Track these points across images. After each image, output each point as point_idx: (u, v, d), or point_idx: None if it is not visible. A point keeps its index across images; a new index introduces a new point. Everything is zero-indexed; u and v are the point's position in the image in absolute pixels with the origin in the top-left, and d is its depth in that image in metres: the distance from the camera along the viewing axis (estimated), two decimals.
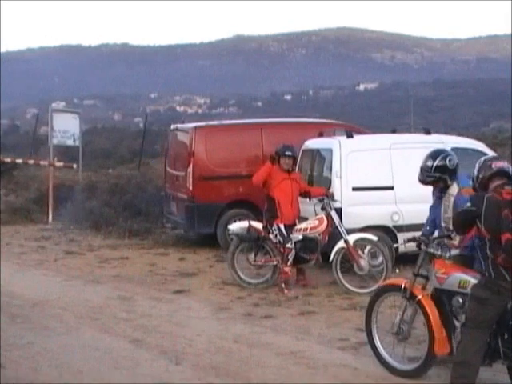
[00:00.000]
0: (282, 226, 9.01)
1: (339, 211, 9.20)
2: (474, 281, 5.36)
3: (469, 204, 5.12)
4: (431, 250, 5.63)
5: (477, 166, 5.33)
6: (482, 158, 5.42)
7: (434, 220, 6.47)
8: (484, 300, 5.07)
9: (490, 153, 10.23)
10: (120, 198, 14.21)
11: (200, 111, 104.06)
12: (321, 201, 9.00)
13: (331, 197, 9.06)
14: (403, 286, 5.80)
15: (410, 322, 5.87)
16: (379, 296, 6.07)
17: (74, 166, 16.46)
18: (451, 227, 6.01)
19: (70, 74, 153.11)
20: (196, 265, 10.71)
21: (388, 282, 6.10)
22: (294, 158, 9.29)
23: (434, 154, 6.27)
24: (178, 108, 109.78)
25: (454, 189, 6.19)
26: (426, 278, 5.75)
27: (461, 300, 5.46)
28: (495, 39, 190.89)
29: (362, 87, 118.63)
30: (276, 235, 9.04)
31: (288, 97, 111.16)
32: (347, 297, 8.61)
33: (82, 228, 13.86)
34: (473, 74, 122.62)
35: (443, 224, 6.21)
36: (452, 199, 6.14)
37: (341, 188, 9.50)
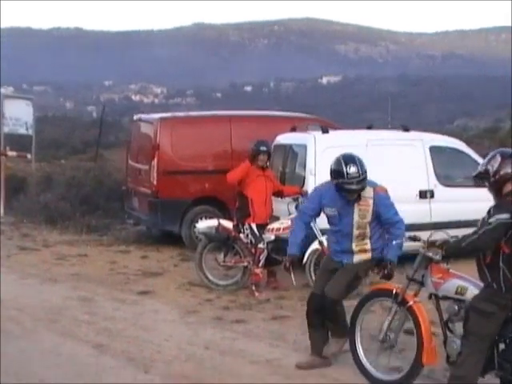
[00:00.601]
0: (254, 226, 8.59)
1: None
2: (472, 288, 5.07)
3: (507, 215, 4.68)
4: (429, 254, 5.28)
5: (498, 158, 4.80)
6: (507, 151, 4.89)
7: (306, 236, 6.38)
8: (489, 314, 4.77)
9: (470, 152, 10.01)
10: (77, 191, 13.61)
11: (156, 101, 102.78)
12: (295, 200, 8.61)
13: (306, 195, 8.66)
14: (395, 291, 5.45)
15: (398, 329, 5.54)
16: (367, 301, 5.71)
17: (29, 156, 15.74)
18: (367, 232, 5.79)
19: (19, 58, 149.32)
20: (160, 264, 10.22)
21: (378, 286, 5.77)
22: (269, 154, 8.87)
23: (352, 159, 5.78)
24: (133, 97, 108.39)
25: (368, 191, 5.82)
26: (421, 283, 5.40)
27: (456, 307, 5.16)
28: (462, 34, 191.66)
29: (324, 80, 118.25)
30: (247, 235, 8.62)
31: (248, 88, 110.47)
32: None
33: (36, 222, 13.23)
34: (438, 69, 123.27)
35: (357, 231, 5.82)
36: (371, 201, 5.78)
37: (315, 186, 9.10)
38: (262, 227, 8.64)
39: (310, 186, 9.10)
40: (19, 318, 7.40)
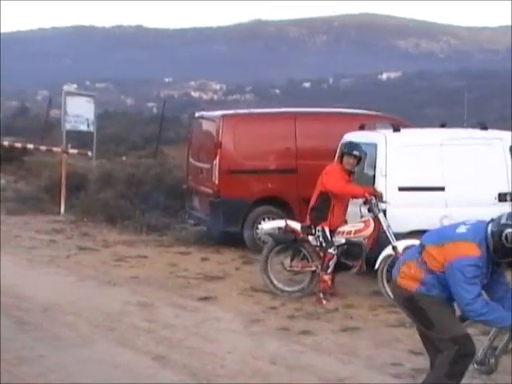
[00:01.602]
0: (327, 230, 8.08)
1: (383, 213, 8.26)
2: None
3: None
4: None
5: None
6: None
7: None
8: None
9: None
10: (137, 189, 13.33)
11: (215, 97, 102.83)
12: (366, 202, 8.05)
13: (380, 197, 8.11)
14: None
15: (501, 352, 4.93)
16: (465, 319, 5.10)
17: (89, 153, 15.58)
18: None
19: (82, 55, 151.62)
20: (221, 266, 9.82)
21: None
22: (360, 159, 8.25)
23: None
24: (192, 93, 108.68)
25: None
26: None
27: None
28: None
29: (384, 76, 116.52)
30: (318, 237, 8.11)
31: (307, 84, 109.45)
32: (393, 310, 7.64)
33: (95, 221, 12.96)
34: (502, 64, 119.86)
35: None
36: None
37: (386, 187, 8.58)
38: (333, 231, 8.15)
39: (381, 186, 8.59)
40: (76, 324, 7.10)
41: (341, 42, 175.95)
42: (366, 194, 8.04)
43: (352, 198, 8.35)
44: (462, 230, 4.73)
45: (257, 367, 6.00)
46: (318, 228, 8.11)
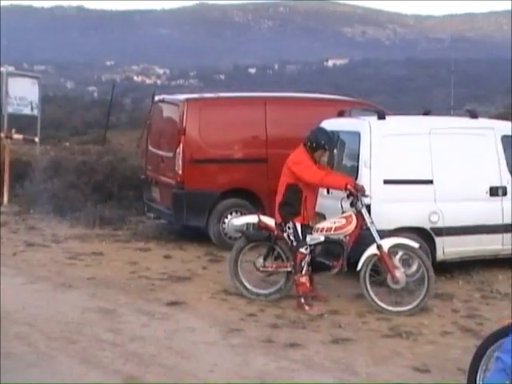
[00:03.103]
0: (298, 226, 7.31)
1: (367, 208, 7.53)
2: None
3: None
4: None
5: None
6: None
7: None
8: None
9: None
10: (88, 178, 12.32)
11: (159, 82, 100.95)
12: (351, 195, 7.29)
13: (362, 190, 7.36)
14: None
15: None
16: (490, 345, 4.41)
17: (36, 139, 14.44)
18: None
19: (20, 36, 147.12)
20: (186, 265, 8.96)
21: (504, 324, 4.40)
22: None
23: None
24: (135, 78, 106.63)
25: None
26: None
27: None
28: (471, 17, 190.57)
29: (330, 63, 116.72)
30: (289, 235, 7.34)
31: (252, 70, 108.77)
32: (383, 317, 7.01)
33: (43, 213, 11.91)
34: (447, 53, 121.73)
35: None
36: None
37: (370, 180, 7.86)
38: (307, 228, 7.38)
39: (364, 179, 7.87)
40: (31, 337, 6.16)
41: (287, 27, 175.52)
42: (349, 187, 7.28)
43: (332, 189, 7.63)
44: None
45: None
46: (289, 225, 7.33)
